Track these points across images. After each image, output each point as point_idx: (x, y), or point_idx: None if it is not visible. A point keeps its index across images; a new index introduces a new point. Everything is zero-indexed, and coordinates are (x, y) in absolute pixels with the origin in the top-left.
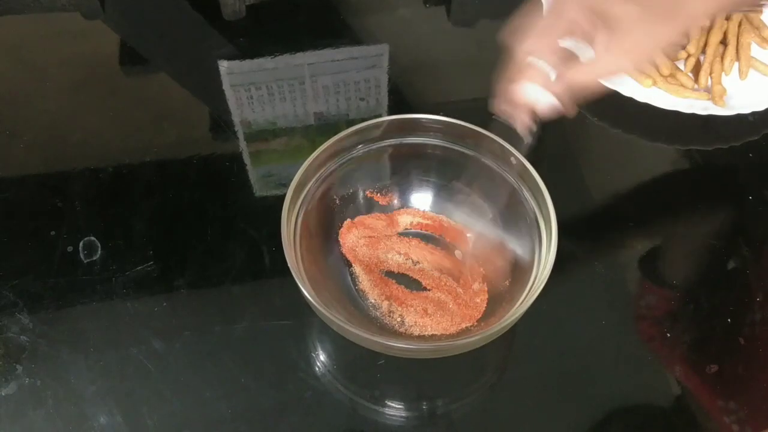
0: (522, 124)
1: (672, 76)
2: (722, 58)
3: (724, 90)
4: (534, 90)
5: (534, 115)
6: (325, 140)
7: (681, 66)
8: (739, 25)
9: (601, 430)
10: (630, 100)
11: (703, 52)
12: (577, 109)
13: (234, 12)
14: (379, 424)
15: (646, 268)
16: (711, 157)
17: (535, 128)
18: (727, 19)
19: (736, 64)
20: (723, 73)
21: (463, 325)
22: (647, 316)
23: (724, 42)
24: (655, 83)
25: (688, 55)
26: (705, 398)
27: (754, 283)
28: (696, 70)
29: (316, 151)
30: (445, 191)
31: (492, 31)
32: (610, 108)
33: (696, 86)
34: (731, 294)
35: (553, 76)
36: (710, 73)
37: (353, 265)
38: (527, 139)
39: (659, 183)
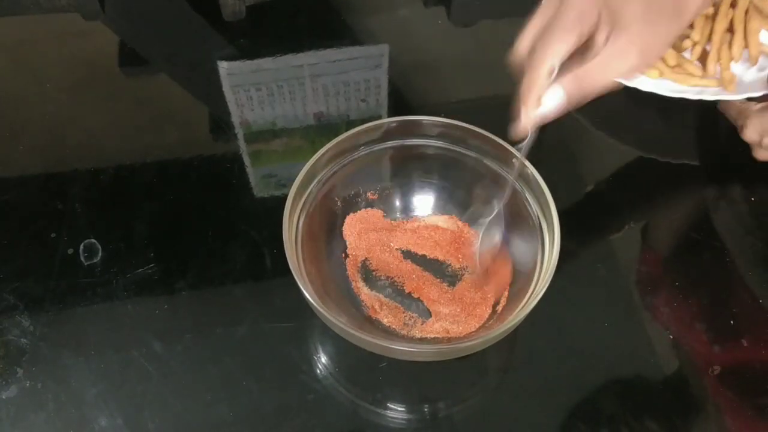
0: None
1: (679, 66)
2: (730, 45)
3: (734, 76)
4: (554, 96)
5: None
6: (326, 141)
7: (686, 55)
8: (746, 12)
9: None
10: (630, 105)
11: (709, 40)
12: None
13: (234, 13)
14: (381, 427)
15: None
16: (713, 158)
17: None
18: (733, 6)
19: (745, 51)
20: (731, 60)
21: (467, 327)
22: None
23: (730, 29)
24: (661, 74)
25: (694, 44)
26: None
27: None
28: (702, 58)
29: (318, 153)
30: (446, 193)
31: (492, 31)
32: (612, 119)
33: (703, 74)
34: (734, 295)
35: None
36: (718, 60)
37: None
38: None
39: (661, 183)
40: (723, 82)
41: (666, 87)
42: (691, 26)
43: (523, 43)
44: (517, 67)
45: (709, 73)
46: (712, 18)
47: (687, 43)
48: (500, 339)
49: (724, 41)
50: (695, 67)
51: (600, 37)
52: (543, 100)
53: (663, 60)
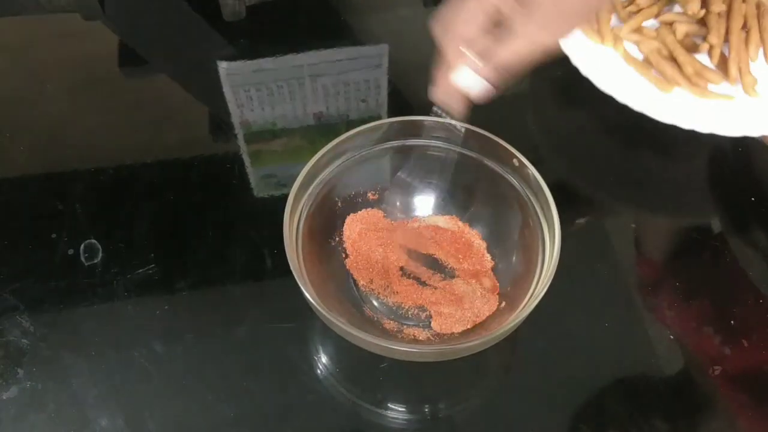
0: (458, 111)
1: (698, 74)
2: (746, 44)
3: (755, 79)
4: (466, 76)
5: (468, 100)
6: (326, 141)
7: (705, 61)
8: (758, 7)
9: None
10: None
11: (726, 41)
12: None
13: (234, 13)
14: (381, 427)
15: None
16: (715, 160)
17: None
18: (743, 1)
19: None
20: (750, 61)
21: (467, 328)
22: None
23: (745, 26)
24: (677, 84)
25: (711, 47)
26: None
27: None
28: (722, 63)
29: (318, 153)
30: (446, 192)
31: None
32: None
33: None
34: (734, 292)
35: (480, 61)
36: (739, 62)
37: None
38: (461, 126)
39: (662, 183)
40: (744, 88)
41: (659, 109)
42: (706, 27)
43: (440, 15)
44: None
45: (732, 78)
46: (726, 16)
47: (704, 46)
48: (501, 339)
49: (741, 41)
50: (716, 74)
51: (513, 15)
52: (452, 76)
53: (679, 67)
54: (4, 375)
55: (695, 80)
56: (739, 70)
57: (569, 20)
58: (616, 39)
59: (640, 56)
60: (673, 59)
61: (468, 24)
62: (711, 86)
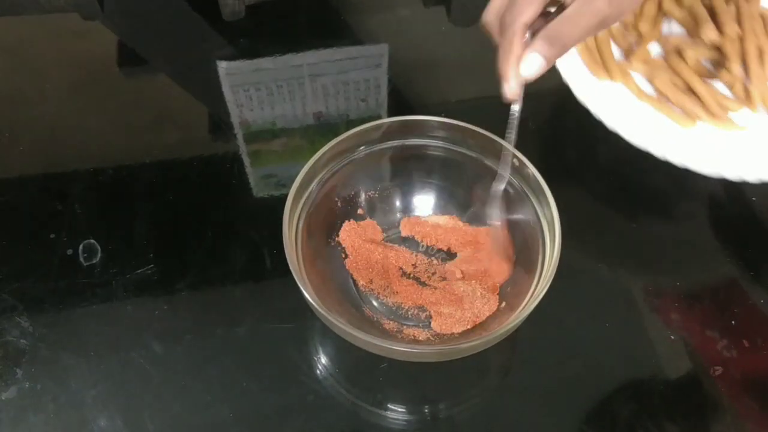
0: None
1: (720, 105)
2: (763, 66)
3: None
4: (535, 63)
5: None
6: (325, 141)
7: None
8: (766, 26)
9: None
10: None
11: (743, 63)
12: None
13: (233, 12)
14: (381, 428)
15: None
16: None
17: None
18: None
19: None
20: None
21: (468, 327)
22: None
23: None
24: (699, 119)
25: (727, 72)
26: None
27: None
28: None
29: (317, 153)
30: (446, 192)
31: None
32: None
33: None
34: (735, 295)
35: (547, 45)
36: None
37: (353, 265)
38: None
39: (663, 183)
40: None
41: (635, 132)
42: (718, 50)
43: (493, 6)
44: (488, 31)
45: (754, 106)
46: (740, 39)
47: (724, 75)
48: (501, 340)
49: (759, 64)
50: (737, 103)
51: None
52: (521, 69)
53: (698, 98)
54: (3, 375)
55: (717, 111)
56: (761, 96)
57: None
58: (625, 74)
59: (650, 90)
60: (689, 90)
61: (528, 8)
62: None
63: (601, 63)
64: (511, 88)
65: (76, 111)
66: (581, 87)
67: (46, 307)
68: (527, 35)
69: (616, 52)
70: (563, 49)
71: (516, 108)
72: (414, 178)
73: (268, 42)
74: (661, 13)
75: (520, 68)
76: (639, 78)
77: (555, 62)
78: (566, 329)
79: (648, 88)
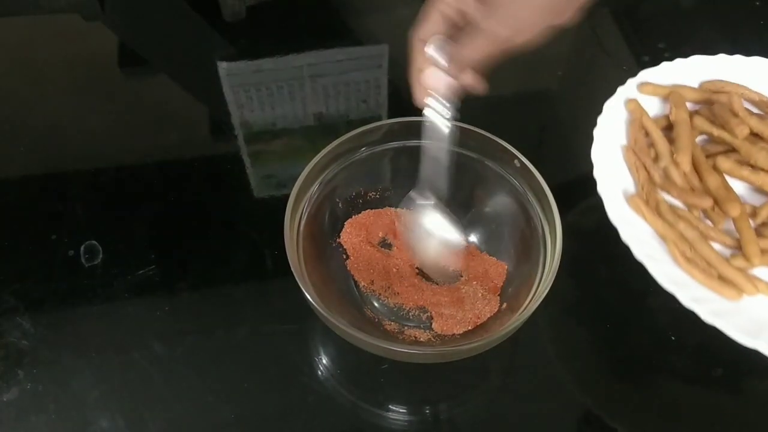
0: (438, 109)
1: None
2: None
3: None
4: (435, 77)
5: (446, 97)
6: (326, 141)
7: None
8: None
9: None
10: None
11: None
12: (484, 83)
13: (234, 13)
14: (382, 429)
15: None
16: None
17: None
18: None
19: None
20: None
21: (469, 328)
22: None
23: None
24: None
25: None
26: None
27: None
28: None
29: (319, 154)
30: (447, 193)
31: None
32: None
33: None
34: None
35: (444, 61)
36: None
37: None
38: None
39: None
40: None
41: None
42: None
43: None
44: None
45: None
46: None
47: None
48: (502, 341)
49: None
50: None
51: (473, 13)
52: (428, 82)
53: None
54: (5, 376)
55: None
56: None
57: (531, 15)
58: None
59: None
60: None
61: (431, 26)
62: None
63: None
64: (416, 95)
65: (76, 111)
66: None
67: (48, 308)
68: (431, 49)
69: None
70: (463, 68)
71: (428, 113)
72: (415, 179)
73: (268, 42)
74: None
75: (422, 78)
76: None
77: (464, 82)
78: (567, 330)
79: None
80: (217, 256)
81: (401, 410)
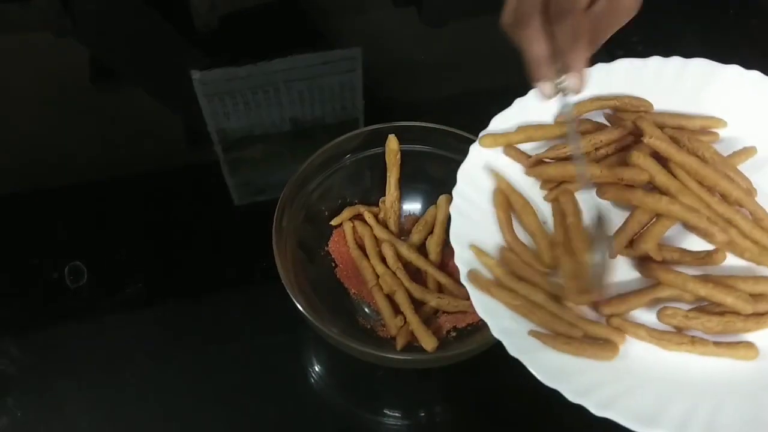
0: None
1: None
2: None
3: None
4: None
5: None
6: (304, 146)
7: None
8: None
9: None
10: None
11: None
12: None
13: (206, 23)
14: None
15: None
16: None
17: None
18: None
19: None
20: None
21: (462, 331)
22: None
23: None
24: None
25: None
26: None
27: None
28: None
29: (302, 166)
30: (434, 196)
31: (464, 30)
32: None
33: None
34: None
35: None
36: None
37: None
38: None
39: None
40: None
41: None
42: None
43: (509, 6)
44: (507, 32)
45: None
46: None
47: None
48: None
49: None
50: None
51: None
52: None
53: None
54: None
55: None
56: None
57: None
58: None
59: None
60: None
61: (537, 42)
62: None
63: None
64: (545, 90)
65: (50, 129)
66: None
67: (35, 334)
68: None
69: None
70: (595, 49)
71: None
72: (401, 183)
73: (241, 50)
74: None
75: (542, 89)
76: None
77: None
78: None
79: None
80: (203, 270)
81: (397, 415)
